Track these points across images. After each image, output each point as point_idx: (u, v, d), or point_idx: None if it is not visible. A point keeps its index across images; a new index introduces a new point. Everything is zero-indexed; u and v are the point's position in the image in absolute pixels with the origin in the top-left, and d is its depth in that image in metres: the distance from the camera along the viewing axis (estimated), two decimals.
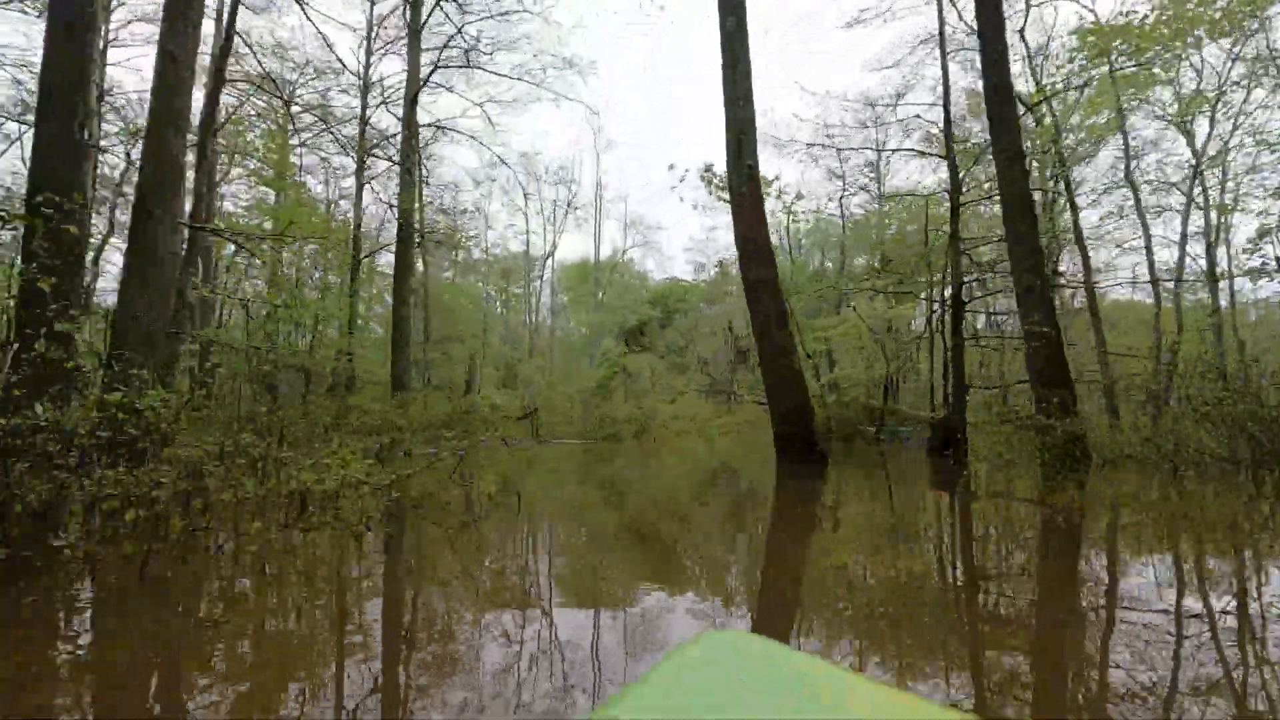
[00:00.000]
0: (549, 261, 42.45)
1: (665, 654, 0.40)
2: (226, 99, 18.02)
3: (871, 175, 26.74)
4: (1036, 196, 11.92)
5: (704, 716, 0.33)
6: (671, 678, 0.36)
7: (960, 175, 12.32)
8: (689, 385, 23.00)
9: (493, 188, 38.14)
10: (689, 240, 70.05)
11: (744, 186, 9.85)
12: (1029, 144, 13.30)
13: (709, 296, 29.12)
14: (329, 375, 18.07)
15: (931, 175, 24.00)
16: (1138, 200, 16.09)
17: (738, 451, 13.25)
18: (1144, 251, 16.08)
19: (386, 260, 33.88)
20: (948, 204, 12.44)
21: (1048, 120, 14.73)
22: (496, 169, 37.41)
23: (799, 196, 17.90)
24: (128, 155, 16.86)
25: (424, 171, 23.63)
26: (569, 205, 33.59)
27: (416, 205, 24.51)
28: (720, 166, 14.60)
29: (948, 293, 13.61)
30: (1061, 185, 15.37)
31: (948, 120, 12.56)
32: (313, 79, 18.58)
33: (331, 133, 17.37)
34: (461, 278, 38.02)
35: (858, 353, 17.56)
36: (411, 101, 16.07)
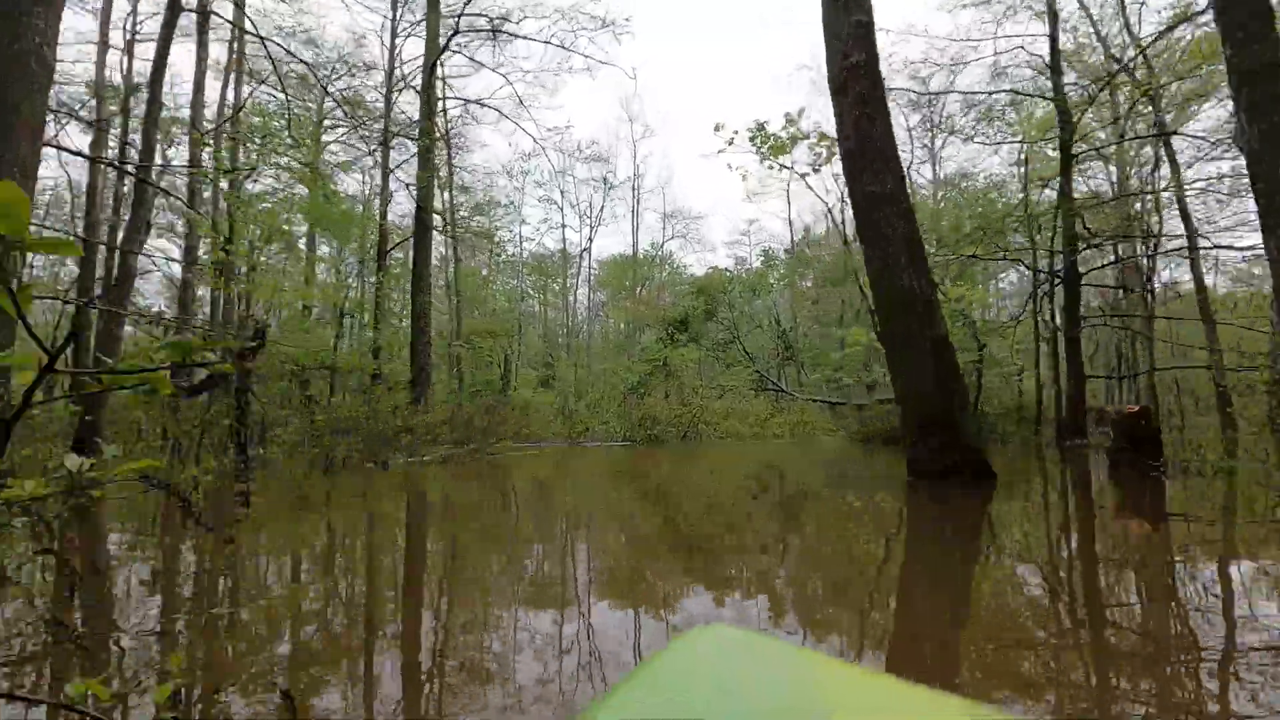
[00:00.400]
0: (584, 256, 41.14)
1: (653, 652, 0.38)
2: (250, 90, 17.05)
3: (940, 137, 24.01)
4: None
5: (693, 712, 0.32)
6: (659, 674, 0.36)
7: (1075, 119, 10.11)
8: (736, 380, 21.03)
9: (525, 180, 37.01)
10: (728, 234, 67.92)
11: (853, 53, 6.50)
12: None
13: (754, 286, 27.04)
14: (360, 374, 16.92)
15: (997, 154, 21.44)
16: None
17: (805, 459, 11.36)
18: None
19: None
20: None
21: None
22: (530, 160, 36.33)
23: None
24: None
25: (450, 153, 22.38)
26: (604, 183, 31.85)
27: (446, 193, 23.35)
28: (775, 124, 12.55)
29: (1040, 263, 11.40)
30: None
31: (1055, 53, 10.38)
32: (337, 65, 17.49)
33: (355, 118, 16.10)
34: (496, 274, 36.98)
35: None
36: (430, 69, 14.64)
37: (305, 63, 12.83)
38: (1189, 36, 12.05)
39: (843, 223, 15.98)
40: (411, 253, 15.07)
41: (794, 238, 32.20)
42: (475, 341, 27.84)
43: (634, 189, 35.95)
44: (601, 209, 39.12)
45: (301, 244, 21.21)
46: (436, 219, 19.59)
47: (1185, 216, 12.03)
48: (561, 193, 39.72)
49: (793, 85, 69.25)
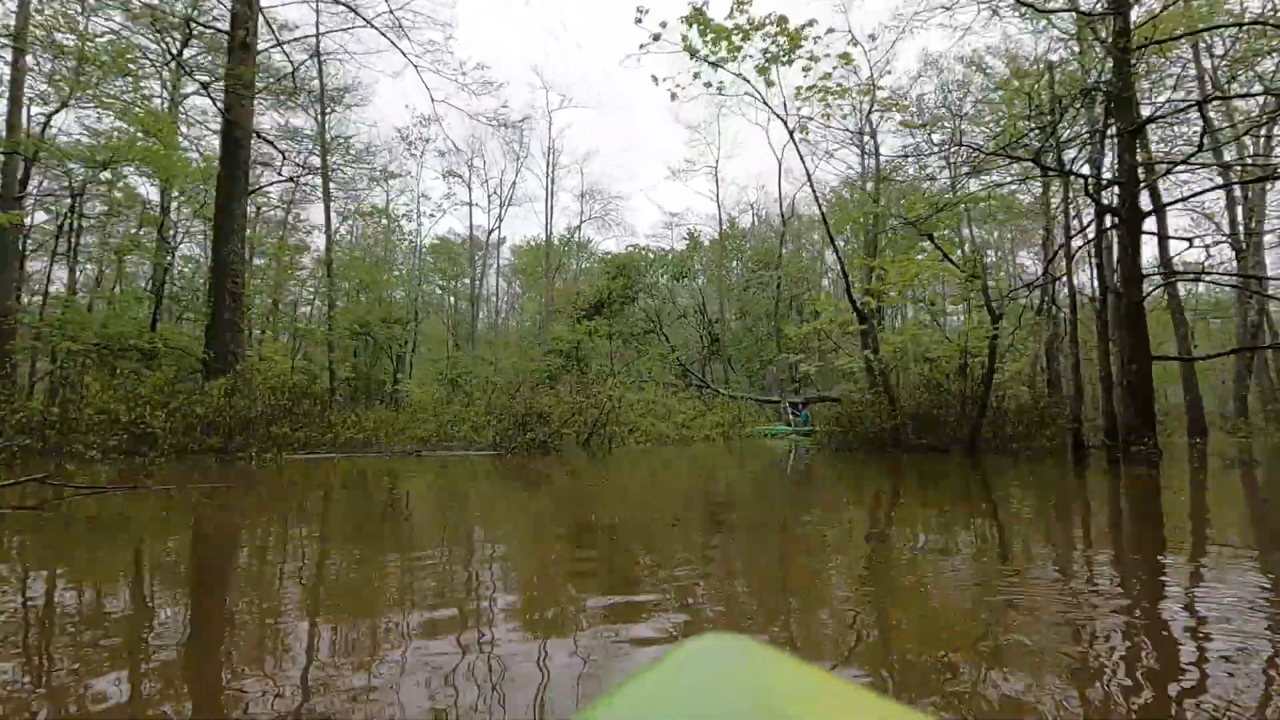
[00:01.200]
0: (494, 240, 36.96)
1: (656, 658, 0.39)
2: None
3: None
4: None
5: (676, 716, 0.33)
6: (660, 679, 0.36)
7: None
8: (655, 373, 17.98)
9: (424, 150, 32.68)
10: (650, 228, 65.47)
11: None
12: None
13: (678, 269, 24.11)
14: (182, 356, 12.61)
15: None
16: None
17: (751, 471, 8.41)
18: None
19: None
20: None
21: None
22: (430, 127, 31.98)
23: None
24: None
25: (322, 79, 17.98)
26: (518, 142, 27.88)
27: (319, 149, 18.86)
28: (720, 8, 9.03)
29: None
30: None
31: None
32: None
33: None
34: (390, 254, 32.48)
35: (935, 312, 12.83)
36: None
37: None
38: None
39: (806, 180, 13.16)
40: (216, 183, 10.93)
41: (723, 220, 29.52)
42: (361, 329, 23.48)
43: (549, 161, 32.21)
44: (513, 185, 34.79)
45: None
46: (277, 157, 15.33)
47: None
48: (470, 166, 35.60)
49: None
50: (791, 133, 10.80)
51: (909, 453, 9.89)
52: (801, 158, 11.74)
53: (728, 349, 25.12)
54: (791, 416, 19.23)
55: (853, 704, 0.33)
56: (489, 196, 36.60)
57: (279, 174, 17.08)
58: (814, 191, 13.33)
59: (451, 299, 39.53)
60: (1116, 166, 7.20)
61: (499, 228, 35.57)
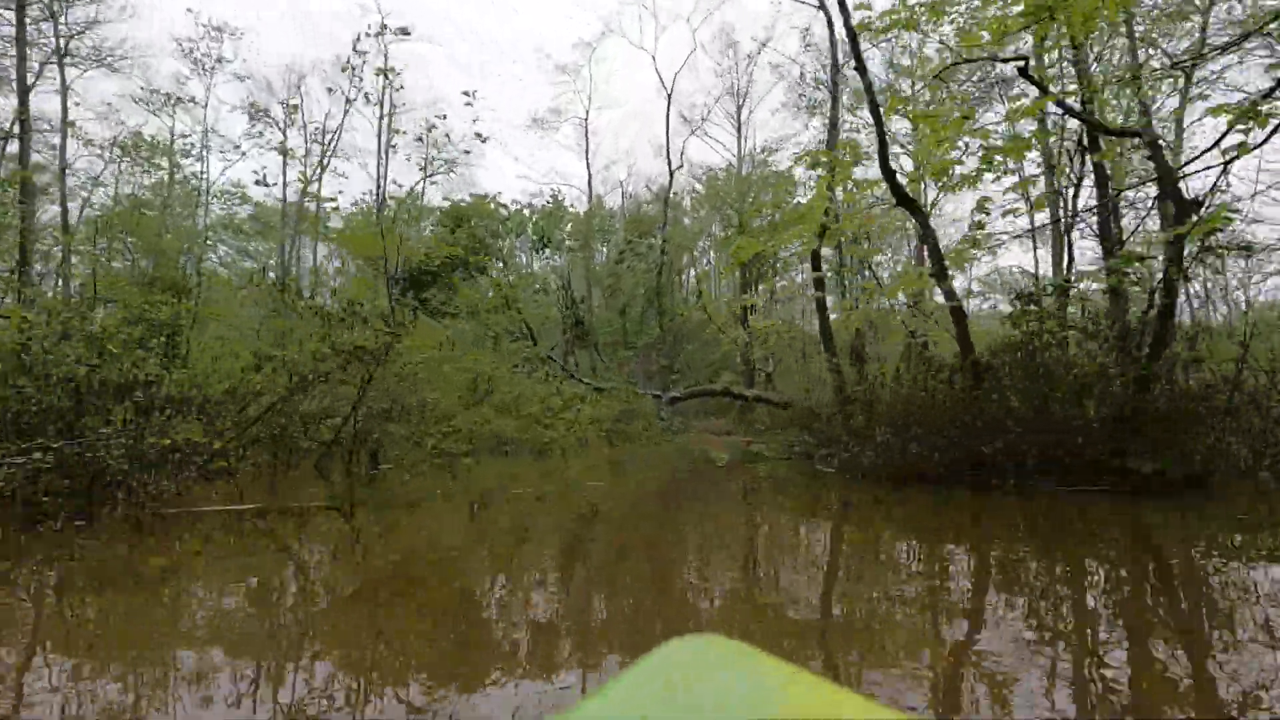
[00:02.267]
0: (313, 190, 29.89)
1: (640, 657, 0.40)
2: None
3: None
4: None
5: (670, 715, 0.33)
6: (642, 678, 0.36)
7: None
8: (503, 354, 13.78)
9: (213, 71, 25.54)
10: (513, 192, 59.84)
11: None
12: None
13: (540, 231, 19.86)
14: None
15: None
16: None
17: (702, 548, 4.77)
18: None
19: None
20: None
21: None
22: (225, 43, 24.96)
23: None
24: None
25: None
26: (352, 76, 21.85)
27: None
28: None
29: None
30: None
31: None
32: None
33: None
34: (167, 203, 25.11)
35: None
36: None
37: None
38: None
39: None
40: None
41: (593, 180, 25.60)
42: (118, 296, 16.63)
43: (384, 106, 26.21)
44: (338, 133, 28.04)
45: None
46: None
47: None
48: (285, 107, 28.54)
49: None
50: None
51: (990, 489, 5.60)
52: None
53: (596, 335, 21.52)
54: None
55: (831, 700, 0.33)
56: (307, 146, 29.69)
57: None
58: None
59: (272, 274, 31.73)
60: None
61: (319, 181, 28.26)
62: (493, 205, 16.27)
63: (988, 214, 6.85)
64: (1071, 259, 8.61)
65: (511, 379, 11.40)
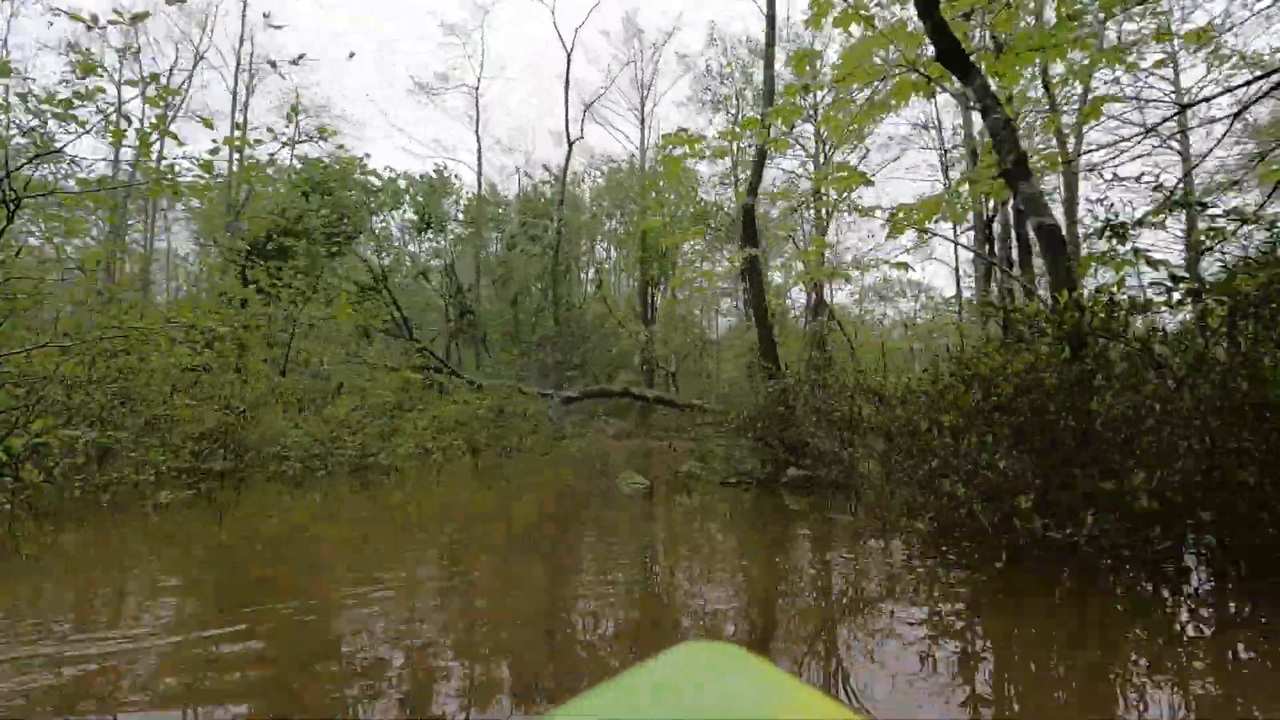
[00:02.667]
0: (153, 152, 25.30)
1: (641, 661, 0.38)
2: None
3: None
4: None
5: (670, 715, 0.33)
6: (638, 682, 0.36)
7: None
8: (363, 351, 11.65)
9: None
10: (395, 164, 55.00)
11: None
12: None
13: (422, 206, 17.53)
14: None
15: None
16: None
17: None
18: None
19: None
20: None
21: None
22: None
23: None
24: None
25: None
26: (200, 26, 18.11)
27: None
28: None
29: None
30: None
31: None
32: None
33: None
34: None
35: None
36: None
37: None
38: None
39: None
40: None
41: (483, 163, 23.33)
42: None
43: (239, 59, 22.41)
44: (186, 87, 23.75)
45: None
46: None
47: None
48: (120, 53, 23.84)
49: None
50: None
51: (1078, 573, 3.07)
52: None
53: (484, 327, 19.49)
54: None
55: (830, 715, 0.33)
56: (144, 99, 25.19)
57: None
58: None
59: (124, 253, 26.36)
60: None
61: (160, 142, 23.52)
62: (360, 170, 13.77)
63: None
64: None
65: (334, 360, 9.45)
